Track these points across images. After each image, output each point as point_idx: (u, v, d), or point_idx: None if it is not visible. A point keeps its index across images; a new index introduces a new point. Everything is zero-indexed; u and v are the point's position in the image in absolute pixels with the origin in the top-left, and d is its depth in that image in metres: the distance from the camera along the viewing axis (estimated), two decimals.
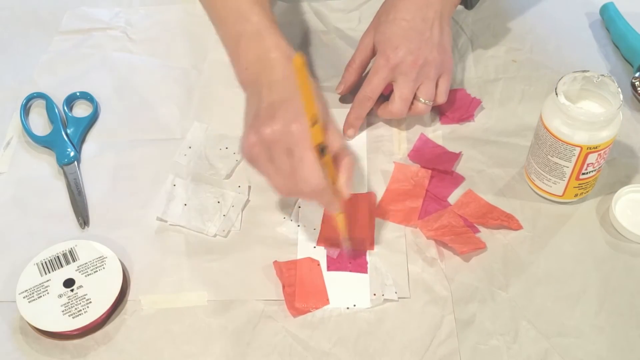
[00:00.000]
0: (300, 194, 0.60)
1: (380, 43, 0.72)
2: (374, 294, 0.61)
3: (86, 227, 0.67)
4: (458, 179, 0.70)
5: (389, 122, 0.75)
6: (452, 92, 0.77)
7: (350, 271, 0.63)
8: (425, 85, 0.71)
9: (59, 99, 0.78)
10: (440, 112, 0.76)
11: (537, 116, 0.65)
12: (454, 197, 0.68)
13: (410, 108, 0.72)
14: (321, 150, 0.56)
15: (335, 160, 0.59)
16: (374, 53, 0.74)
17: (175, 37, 0.86)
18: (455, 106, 0.76)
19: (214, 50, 0.84)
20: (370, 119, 0.76)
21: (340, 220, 0.62)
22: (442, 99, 0.73)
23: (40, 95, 0.79)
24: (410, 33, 0.70)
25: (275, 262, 0.63)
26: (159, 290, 0.62)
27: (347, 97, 0.78)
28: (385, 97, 0.73)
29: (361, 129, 0.75)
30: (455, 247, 0.63)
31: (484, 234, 0.66)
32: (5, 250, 0.66)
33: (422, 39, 0.70)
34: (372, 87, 0.72)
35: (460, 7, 0.79)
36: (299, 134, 0.55)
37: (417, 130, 0.74)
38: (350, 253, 0.64)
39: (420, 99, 0.72)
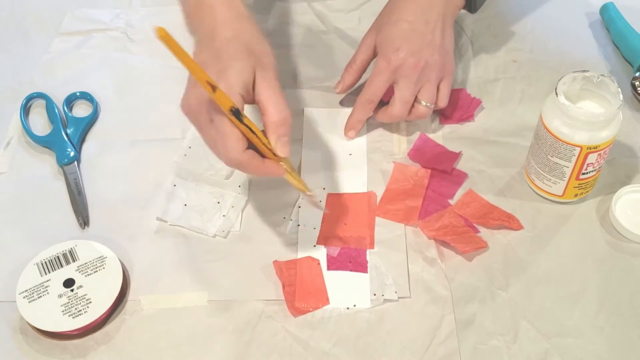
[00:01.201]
0: (231, 165, 0.57)
1: (381, 44, 0.72)
2: (374, 294, 0.61)
3: (86, 227, 0.67)
4: (461, 178, 0.70)
5: (389, 124, 0.75)
6: (453, 92, 0.77)
7: (351, 270, 0.63)
8: (427, 88, 0.71)
9: (59, 99, 0.78)
10: (440, 112, 0.76)
11: (537, 116, 0.65)
12: (455, 197, 0.68)
13: (410, 111, 0.72)
14: (235, 114, 0.53)
15: (264, 120, 0.56)
16: (375, 54, 0.73)
17: (175, 37, 0.86)
18: (455, 106, 0.76)
19: None
20: (369, 119, 0.76)
21: (290, 179, 0.59)
22: (443, 102, 0.73)
23: (40, 95, 0.79)
24: (412, 35, 0.70)
25: (275, 262, 0.63)
26: (159, 290, 0.62)
27: (347, 98, 0.78)
28: (384, 102, 0.73)
29: (361, 130, 0.75)
30: (458, 247, 0.63)
31: (484, 234, 0.66)
32: (5, 250, 0.66)
33: (424, 42, 0.70)
34: (374, 90, 0.71)
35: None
36: (220, 102, 0.54)
37: (417, 130, 0.74)
38: (315, 204, 0.64)
39: (422, 101, 0.71)
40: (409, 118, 0.73)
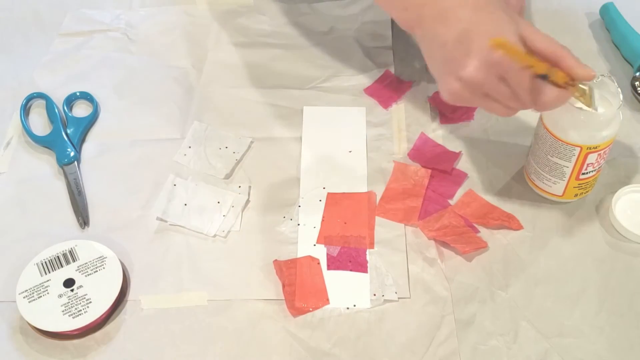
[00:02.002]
0: (525, 108, 0.56)
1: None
2: (374, 294, 0.61)
3: (86, 227, 0.67)
4: (461, 178, 0.70)
5: (390, 120, 0.75)
6: None
7: (351, 270, 0.63)
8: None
9: (59, 99, 0.78)
10: (440, 112, 0.76)
11: (537, 116, 0.65)
12: (455, 197, 0.68)
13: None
14: (543, 77, 0.54)
15: (558, 59, 0.54)
16: None
17: (175, 38, 0.86)
18: (455, 106, 0.76)
19: (214, 50, 0.84)
20: (370, 118, 0.76)
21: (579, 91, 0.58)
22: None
23: (40, 95, 0.79)
24: None
25: (275, 261, 0.63)
26: (159, 290, 0.62)
27: (344, 98, 0.78)
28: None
29: (361, 129, 0.75)
30: (458, 247, 0.63)
31: (484, 234, 0.66)
32: (5, 250, 0.66)
33: None
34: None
35: None
36: (506, 59, 0.52)
37: (417, 130, 0.74)
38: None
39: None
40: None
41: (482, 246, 0.64)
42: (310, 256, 0.64)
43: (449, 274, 0.63)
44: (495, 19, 0.54)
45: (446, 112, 0.75)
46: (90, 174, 0.72)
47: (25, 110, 0.78)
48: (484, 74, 0.53)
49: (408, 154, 0.72)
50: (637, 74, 0.77)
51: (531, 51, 0.55)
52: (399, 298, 0.61)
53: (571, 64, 0.54)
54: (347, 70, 0.81)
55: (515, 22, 0.55)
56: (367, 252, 0.64)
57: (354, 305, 0.61)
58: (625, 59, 0.81)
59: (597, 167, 0.64)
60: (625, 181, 0.69)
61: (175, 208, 0.68)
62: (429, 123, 0.75)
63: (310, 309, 0.61)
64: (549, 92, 0.54)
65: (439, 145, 0.73)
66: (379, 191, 0.69)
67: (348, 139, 0.74)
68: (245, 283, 0.63)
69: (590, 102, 0.59)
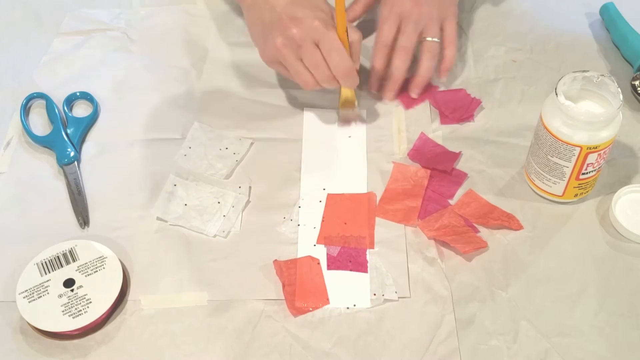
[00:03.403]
0: (327, 80, 0.69)
1: None
2: (374, 294, 0.61)
3: (86, 227, 0.67)
4: (461, 178, 0.70)
5: (389, 120, 0.75)
6: (452, 92, 0.77)
7: (351, 270, 0.63)
8: (428, 26, 0.75)
9: (59, 99, 0.78)
10: (440, 112, 0.76)
11: (537, 116, 0.65)
12: (455, 197, 0.68)
13: (421, 51, 0.75)
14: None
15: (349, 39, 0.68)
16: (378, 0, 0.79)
17: (175, 38, 0.86)
18: (455, 106, 0.76)
19: (214, 50, 0.84)
20: (370, 119, 0.76)
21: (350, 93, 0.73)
22: (449, 41, 0.76)
23: (40, 95, 0.79)
24: None
25: (275, 261, 0.63)
26: (159, 290, 0.62)
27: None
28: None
29: (361, 130, 0.75)
30: (458, 247, 0.63)
31: (484, 234, 0.66)
32: (5, 250, 0.66)
33: None
34: (384, 34, 0.75)
35: (460, 7, 0.79)
36: (324, 27, 0.65)
37: (417, 130, 0.74)
38: (348, 116, 0.74)
39: (427, 37, 0.75)
40: (425, 62, 0.75)
41: (482, 246, 0.64)
42: (310, 256, 0.64)
43: (449, 273, 0.63)
44: (313, 1, 0.68)
45: (446, 112, 0.75)
46: (90, 174, 0.72)
47: (25, 110, 0.78)
48: (303, 35, 0.66)
49: (408, 155, 0.72)
50: (637, 73, 0.77)
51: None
52: (399, 298, 0.61)
53: (354, 47, 0.69)
54: None
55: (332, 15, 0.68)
56: (367, 252, 0.64)
57: (354, 305, 0.61)
58: (625, 59, 0.81)
59: (597, 167, 0.64)
60: (625, 181, 0.69)
61: (175, 208, 0.68)
62: (429, 123, 0.75)
63: (310, 309, 0.61)
64: (343, 53, 0.66)
65: (439, 145, 0.73)
66: (379, 192, 0.69)
67: (348, 140, 0.74)
68: (245, 283, 0.63)
69: (353, 97, 0.74)
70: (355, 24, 0.82)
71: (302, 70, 0.68)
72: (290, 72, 0.69)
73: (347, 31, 0.68)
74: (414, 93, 0.77)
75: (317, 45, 0.66)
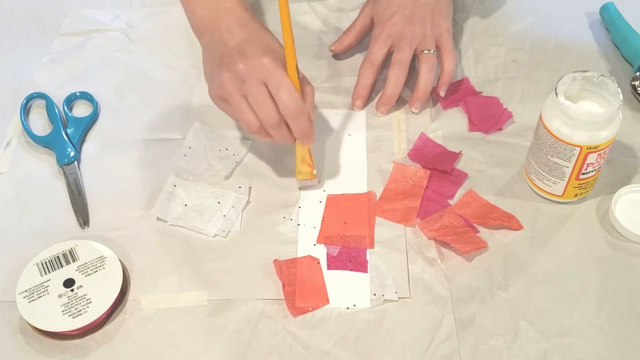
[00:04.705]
0: (274, 124, 0.62)
1: (377, 14, 0.77)
2: (374, 294, 0.61)
3: (86, 227, 0.67)
4: (461, 178, 0.70)
5: (390, 121, 0.75)
6: (484, 99, 0.77)
7: (351, 270, 0.63)
8: (423, 41, 0.75)
9: (59, 99, 0.78)
10: (469, 119, 0.75)
11: (537, 116, 0.65)
12: (455, 197, 0.68)
13: (419, 63, 0.75)
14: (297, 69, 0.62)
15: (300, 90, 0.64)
16: (372, 23, 0.79)
17: (175, 38, 0.86)
18: (484, 115, 0.75)
19: None
20: (370, 119, 0.76)
21: (300, 150, 0.67)
22: (447, 56, 0.76)
23: (40, 95, 0.79)
24: (405, 1, 0.75)
25: (275, 261, 0.63)
26: (159, 290, 0.62)
27: (344, 99, 0.78)
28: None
29: (361, 130, 0.75)
30: (458, 247, 0.63)
31: (484, 234, 0.66)
32: (5, 250, 0.66)
33: (417, 5, 0.75)
34: (374, 53, 0.76)
35: (460, 7, 0.79)
36: (273, 65, 0.61)
37: (417, 130, 0.74)
38: (306, 185, 0.69)
39: (423, 50, 0.75)
40: (424, 73, 0.75)
41: (482, 246, 0.64)
42: (310, 256, 0.64)
43: (449, 274, 0.63)
44: (266, 40, 0.65)
45: (475, 120, 0.74)
46: (90, 174, 0.72)
47: (25, 110, 0.78)
48: (249, 71, 0.61)
49: (408, 155, 0.72)
50: (637, 73, 0.77)
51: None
52: (399, 298, 0.61)
53: (305, 97, 0.64)
54: (347, 70, 0.81)
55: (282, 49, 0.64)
56: (367, 252, 0.64)
57: (354, 305, 0.61)
58: (625, 59, 0.81)
59: (597, 167, 0.64)
60: (625, 181, 0.69)
61: (175, 208, 0.68)
62: (429, 123, 0.75)
63: (310, 309, 0.61)
64: (292, 90, 0.61)
65: (439, 145, 0.73)
66: (379, 191, 0.69)
67: (348, 140, 0.74)
68: (245, 283, 0.63)
69: (299, 162, 0.67)
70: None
71: (245, 108, 0.62)
72: (233, 110, 0.64)
73: (298, 75, 0.63)
74: (415, 107, 0.75)
75: (265, 85, 0.61)
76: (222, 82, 0.62)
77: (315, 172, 0.68)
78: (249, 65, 0.61)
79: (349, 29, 0.81)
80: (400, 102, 0.77)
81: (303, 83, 0.65)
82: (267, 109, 0.61)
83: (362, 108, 0.77)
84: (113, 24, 0.88)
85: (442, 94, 0.76)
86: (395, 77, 0.74)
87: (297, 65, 0.63)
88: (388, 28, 0.75)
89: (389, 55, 0.77)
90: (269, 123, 0.62)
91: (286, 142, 0.65)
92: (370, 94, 0.77)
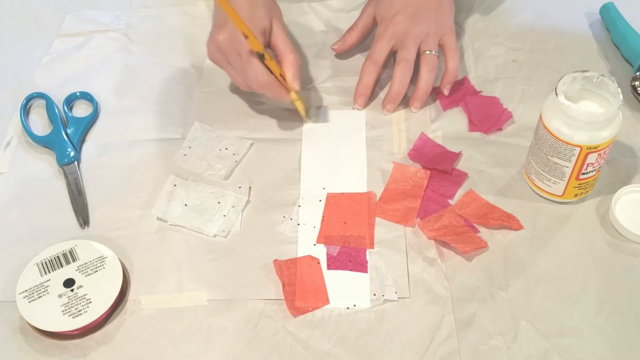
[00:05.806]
0: (258, 88, 0.70)
1: (379, 13, 0.78)
2: (374, 294, 0.61)
3: (86, 227, 0.67)
4: (461, 178, 0.70)
5: (389, 120, 0.75)
6: (484, 99, 0.77)
7: (351, 270, 0.63)
8: (427, 41, 0.75)
9: (59, 99, 0.78)
10: (469, 119, 0.75)
11: (537, 116, 0.65)
12: (455, 197, 0.68)
13: (421, 64, 0.75)
14: (260, 56, 0.67)
15: (281, 59, 0.70)
16: (375, 22, 0.79)
17: (175, 38, 0.86)
18: (484, 115, 0.75)
19: None
20: (370, 119, 0.76)
21: (297, 106, 0.73)
22: (452, 54, 0.76)
23: (40, 95, 0.79)
24: (408, 0, 0.76)
25: (275, 261, 0.63)
26: (159, 290, 0.62)
27: (345, 99, 0.78)
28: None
29: (361, 129, 0.75)
30: (458, 247, 0.63)
31: (484, 234, 0.66)
32: (5, 250, 0.66)
33: (420, 4, 0.75)
34: (376, 52, 0.76)
35: (460, 6, 0.79)
36: (244, 41, 0.67)
37: (417, 130, 0.74)
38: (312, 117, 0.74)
39: (426, 51, 0.75)
40: (425, 74, 0.75)
41: (482, 246, 0.64)
42: (310, 256, 0.64)
43: (449, 274, 0.63)
44: (254, 11, 0.70)
45: (475, 121, 0.74)
46: (90, 174, 0.72)
47: (25, 110, 0.78)
48: (227, 44, 0.69)
49: (408, 154, 0.72)
50: (637, 73, 0.77)
51: (269, 42, 0.72)
52: (399, 298, 0.61)
53: (287, 67, 0.69)
54: (347, 70, 0.81)
55: (269, 19, 0.71)
56: (367, 252, 0.64)
57: (354, 305, 0.61)
58: (625, 59, 0.81)
59: (597, 167, 0.64)
60: (625, 181, 0.69)
61: (175, 208, 0.68)
62: (429, 123, 0.75)
63: (310, 309, 0.61)
64: (255, 68, 0.67)
65: (439, 145, 0.73)
66: (379, 192, 0.69)
67: (348, 140, 0.74)
68: (245, 283, 0.63)
69: (303, 113, 0.74)
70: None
71: (232, 74, 0.72)
72: (226, 72, 0.73)
73: (269, 43, 0.71)
74: (414, 107, 0.76)
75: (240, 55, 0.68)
76: (210, 50, 0.71)
77: (308, 110, 0.74)
78: (224, 39, 0.69)
79: (351, 29, 0.81)
80: (401, 102, 0.77)
81: (286, 52, 0.70)
82: (240, 76, 0.70)
83: (364, 106, 0.77)
84: (113, 24, 0.88)
85: (445, 92, 0.76)
86: (401, 75, 0.75)
87: (268, 33, 0.69)
88: (392, 27, 0.75)
89: (391, 55, 0.77)
90: (254, 87, 0.70)
91: (279, 99, 0.71)
92: (372, 93, 0.77)
